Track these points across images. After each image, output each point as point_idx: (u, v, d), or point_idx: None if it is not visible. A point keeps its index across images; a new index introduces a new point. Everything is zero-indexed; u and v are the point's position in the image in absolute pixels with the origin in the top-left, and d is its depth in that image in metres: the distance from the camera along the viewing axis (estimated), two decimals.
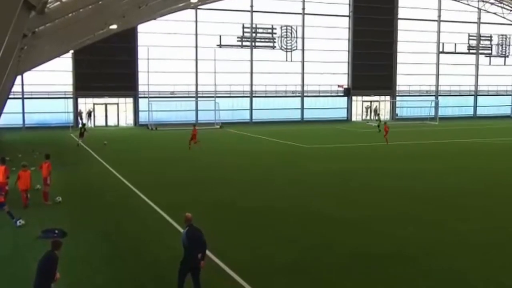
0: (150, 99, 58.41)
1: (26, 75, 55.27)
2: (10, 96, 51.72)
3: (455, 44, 73.96)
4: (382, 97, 71.57)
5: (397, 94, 72.05)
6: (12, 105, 54.07)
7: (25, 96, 57.08)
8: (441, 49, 73.46)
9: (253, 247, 15.25)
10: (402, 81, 71.78)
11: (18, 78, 52.49)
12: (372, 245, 15.37)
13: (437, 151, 37.38)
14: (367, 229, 17.10)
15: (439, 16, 72.54)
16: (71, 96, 58.72)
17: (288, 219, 18.42)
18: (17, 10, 10.54)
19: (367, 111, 72.15)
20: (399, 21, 70.61)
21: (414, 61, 71.41)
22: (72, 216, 18.95)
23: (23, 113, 57.38)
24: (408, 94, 72.92)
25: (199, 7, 61.45)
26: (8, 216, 17.43)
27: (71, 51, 54.81)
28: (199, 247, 11.39)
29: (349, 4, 68.09)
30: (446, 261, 13.94)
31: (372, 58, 68.80)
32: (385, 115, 70.89)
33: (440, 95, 74.13)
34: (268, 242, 15.66)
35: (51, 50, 43.06)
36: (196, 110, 63.43)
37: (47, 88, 57.41)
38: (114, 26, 42.46)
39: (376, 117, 64.23)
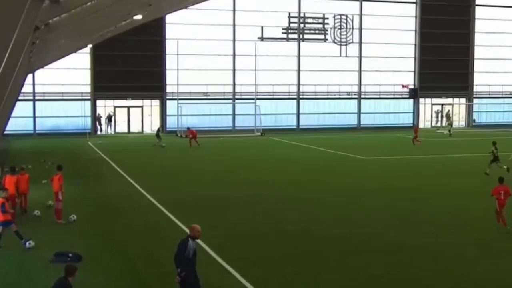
0: (180, 101, 58.92)
1: (38, 73, 56.57)
2: (20, 98, 52.97)
3: None
4: (456, 100, 70.37)
5: (474, 96, 70.76)
6: (21, 108, 55.34)
7: (36, 97, 58.36)
8: None
9: (303, 277, 15.14)
10: (481, 81, 70.48)
11: (29, 76, 53.72)
12: (450, 280, 15.06)
13: None
14: (439, 258, 16.82)
15: None
16: (89, 97, 59.75)
17: (343, 244, 18.25)
18: None
19: (437, 117, 71.03)
20: (476, 8, 69.45)
21: (495, 57, 70.06)
22: (89, 237, 19.17)
23: (34, 117, 58.67)
24: (487, 95, 71.54)
25: None
26: (16, 236, 17.75)
27: (90, 46, 55.75)
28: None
29: None
30: None
31: (444, 53, 67.77)
32: (459, 121, 69.70)
33: None
34: (320, 272, 15.54)
35: (67, 45, 43.96)
36: (233, 114, 63.68)
37: (62, 89, 58.55)
38: (138, 17, 43.04)
39: (448, 122, 63.49)
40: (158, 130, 50.57)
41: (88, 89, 59.68)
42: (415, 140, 47.09)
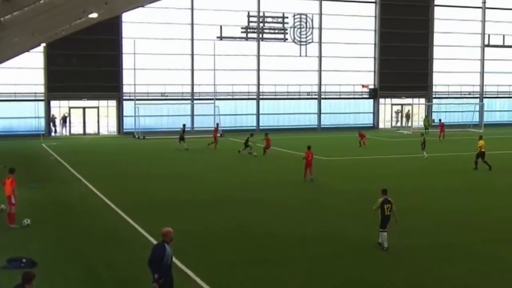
0: (137, 102, 58.47)
1: None
2: None
3: (504, 35, 73.74)
4: (416, 100, 71.31)
5: (433, 96, 71.83)
6: None
7: None
8: (486, 42, 73.25)
9: (272, 283, 15.09)
10: (440, 81, 71.51)
11: None
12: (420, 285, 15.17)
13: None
14: (407, 260, 16.94)
15: (484, 2, 72.38)
16: (43, 98, 58.80)
17: (312, 248, 18.35)
18: None
19: (397, 117, 71.85)
20: (435, 8, 70.48)
21: (454, 57, 71.20)
22: (44, 243, 18.87)
23: None
24: (447, 96, 72.67)
25: None
26: None
27: (43, 45, 54.94)
28: None
29: None
30: None
31: (404, 53, 68.60)
32: (419, 121, 70.55)
33: (485, 97, 73.82)
34: (292, 277, 15.52)
35: (19, 43, 43.23)
36: (192, 115, 63.37)
37: (14, 89, 57.52)
38: (94, 15, 42.58)
39: (424, 123, 64.34)
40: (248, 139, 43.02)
41: (41, 89, 58.68)
42: (362, 142, 47.31)
